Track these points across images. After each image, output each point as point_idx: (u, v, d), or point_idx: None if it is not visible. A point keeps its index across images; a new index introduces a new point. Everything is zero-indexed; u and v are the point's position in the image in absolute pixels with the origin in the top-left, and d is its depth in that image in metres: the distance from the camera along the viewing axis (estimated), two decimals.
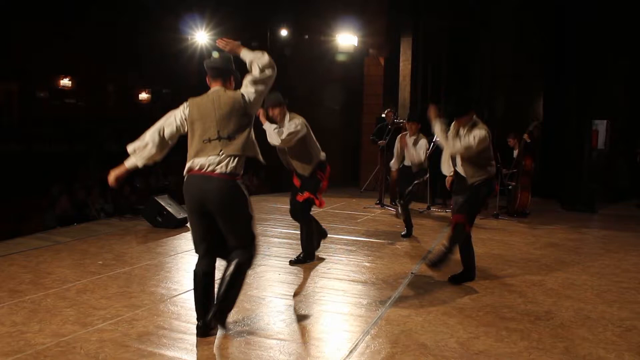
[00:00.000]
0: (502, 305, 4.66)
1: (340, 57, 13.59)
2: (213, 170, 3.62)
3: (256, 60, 3.85)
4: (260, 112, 5.12)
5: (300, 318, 4.25)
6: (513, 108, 12.64)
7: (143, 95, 22.65)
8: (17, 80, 19.18)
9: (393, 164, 7.78)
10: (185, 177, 3.73)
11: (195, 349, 3.65)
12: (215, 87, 3.86)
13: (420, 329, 4.04)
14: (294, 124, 5.45)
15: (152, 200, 7.75)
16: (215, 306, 3.72)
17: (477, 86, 12.65)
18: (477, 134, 5.07)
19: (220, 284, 3.73)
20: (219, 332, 3.90)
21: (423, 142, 7.28)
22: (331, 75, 14.34)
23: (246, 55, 3.91)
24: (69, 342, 3.64)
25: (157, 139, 3.78)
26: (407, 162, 7.43)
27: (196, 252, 3.85)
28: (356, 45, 12.96)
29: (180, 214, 7.65)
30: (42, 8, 17.01)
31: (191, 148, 3.71)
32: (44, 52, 17.51)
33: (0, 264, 5.52)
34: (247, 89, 3.79)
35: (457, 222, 5.15)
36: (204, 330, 3.78)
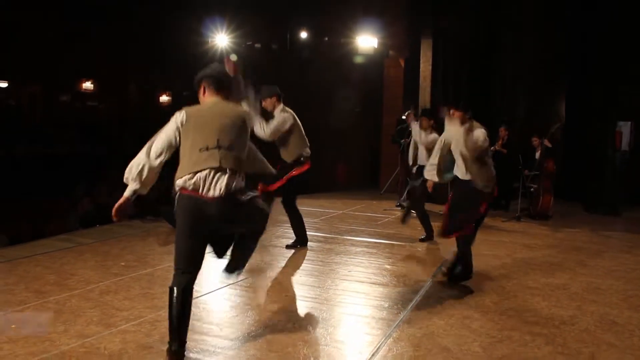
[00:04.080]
0: (526, 309, 4.61)
1: (360, 59, 13.56)
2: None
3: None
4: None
5: (322, 321, 4.23)
6: (535, 109, 12.50)
7: (164, 98, 22.86)
8: (40, 83, 19.49)
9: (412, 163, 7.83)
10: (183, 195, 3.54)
11: (217, 350, 3.67)
12: (216, 99, 3.65)
13: (443, 332, 4.01)
14: (282, 117, 6.02)
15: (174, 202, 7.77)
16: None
17: (499, 87, 12.54)
18: (478, 133, 4.99)
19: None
20: (240, 335, 3.91)
21: (433, 136, 7.10)
22: (351, 77, 14.32)
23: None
24: (93, 343, 3.67)
25: None
26: (422, 161, 7.30)
27: None
28: (376, 46, 12.92)
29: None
30: (64, 11, 17.25)
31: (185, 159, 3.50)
32: (67, 56, 17.75)
33: (26, 265, 5.59)
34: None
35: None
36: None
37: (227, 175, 3.37)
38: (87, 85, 20.47)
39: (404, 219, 7.32)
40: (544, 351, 3.75)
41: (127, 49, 18.37)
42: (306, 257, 6.20)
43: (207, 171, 3.36)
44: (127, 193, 3.49)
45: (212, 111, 3.54)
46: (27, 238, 7.63)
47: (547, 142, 9.39)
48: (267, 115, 6.24)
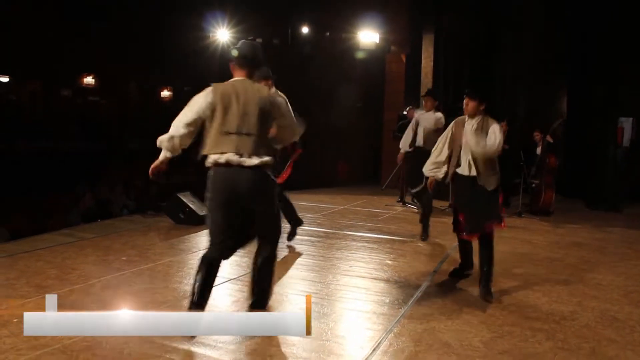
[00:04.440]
0: (526, 304, 4.61)
1: (361, 55, 13.53)
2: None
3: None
4: None
5: (323, 316, 4.24)
6: (536, 105, 12.48)
7: (165, 93, 22.87)
8: (41, 78, 19.49)
9: (402, 144, 7.46)
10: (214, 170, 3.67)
11: (218, 344, 3.67)
12: (240, 77, 3.77)
13: (444, 328, 4.02)
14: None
15: (175, 197, 7.79)
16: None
17: (500, 83, 12.52)
18: (496, 129, 4.69)
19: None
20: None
21: (439, 114, 6.97)
22: (352, 72, 14.31)
23: None
24: (95, 337, 3.67)
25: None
26: (420, 142, 7.10)
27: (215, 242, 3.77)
28: (377, 42, 12.90)
29: (202, 211, 7.68)
30: (65, 8, 17.23)
31: (210, 139, 3.65)
32: (68, 51, 17.74)
33: (27, 260, 5.60)
34: (281, 108, 3.78)
35: (489, 232, 4.84)
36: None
37: (247, 157, 3.57)
38: (89, 80, 20.46)
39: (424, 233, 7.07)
40: (544, 346, 3.75)
41: (128, 45, 18.35)
42: (307, 253, 6.20)
43: (230, 153, 3.56)
44: (160, 157, 3.77)
45: (237, 93, 3.65)
46: (28, 233, 7.64)
47: (549, 138, 9.38)
48: None
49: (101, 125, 20.10)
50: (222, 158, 3.57)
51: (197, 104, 3.67)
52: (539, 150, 9.63)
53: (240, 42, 3.89)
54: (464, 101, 4.88)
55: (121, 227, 7.45)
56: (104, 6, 17.43)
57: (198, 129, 3.70)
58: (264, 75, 5.84)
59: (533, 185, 9.55)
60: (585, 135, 11.23)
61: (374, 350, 3.64)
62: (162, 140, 3.72)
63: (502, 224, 4.86)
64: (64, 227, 8.01)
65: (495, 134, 4.68)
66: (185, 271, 5.37)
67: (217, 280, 4.95)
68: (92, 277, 5.07)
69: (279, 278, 5.21)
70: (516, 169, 9.57)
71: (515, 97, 12.65)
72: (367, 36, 12.78)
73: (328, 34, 14.12)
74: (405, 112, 10.70)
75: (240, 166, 3.56)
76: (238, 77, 3.77)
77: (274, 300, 4.54)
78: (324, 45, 14.26)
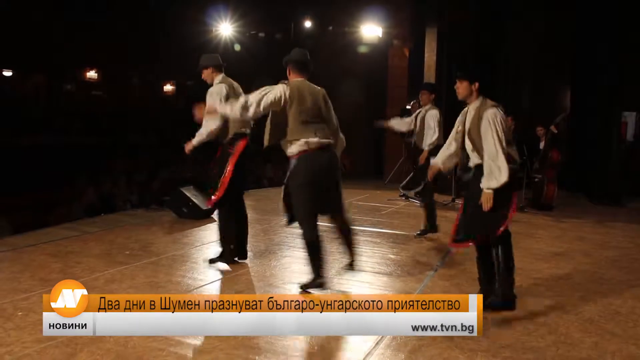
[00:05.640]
0: (529, 298, 4.61)
1: (364, 49, 13.52)
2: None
3: None
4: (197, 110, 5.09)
5: None
6: (539, 100, 12.47)
7: (168, 88, 22.87)
8: (44, 73, 19.49)
9: (397, 124, 7.21)
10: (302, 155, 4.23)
11: (223, 337, 3.68)
12: (302, 79, 4.33)
13: None
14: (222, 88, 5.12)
15: (178, 192, 7.81)
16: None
17: (503, 77, 12.50)
18: (489, 115, 4.07)
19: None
20: None
21: (434, 111, 6.54)
22: (355, 66, 14.28)
23: None
24: None
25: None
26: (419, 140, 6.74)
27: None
28: (380, 36, 12.88)
29: (205, 205, 7.70)
30: (68, 1, 17.22)
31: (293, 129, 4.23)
32: (70, 46, 17.73)
33: (31, 253, 5.63)
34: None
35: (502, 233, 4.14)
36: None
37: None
38: (91, 74, 20.47)
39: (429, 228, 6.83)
40: (547, 340, 3.76)
41: (130, 40, 18.35)
42: None
43: (311, 138, 4.17)
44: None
45: (307, 90, 4.28)
46: (32, 227, 7.66)
47: (553, 128, 9.28)
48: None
49: (104, 120, 20.08)
50: (306, 146, 4.20)
51: (274, 95, 4.22)
52: (541, 145, 9.62)
53: (294, 50, 4.42)
54: (455, 85, 4.26)
55: (124, 221, 7.48)
56: (106, 0, 17.42)
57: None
58: (214, 64, 5.28)
59: (536, 179, 9.54)
60: (589, 130, 11.21)
61: (377, 343, 3.65)
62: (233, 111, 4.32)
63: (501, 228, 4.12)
64: (67, 221, 8.04)
65: (488, 122, 4.05)
66: (189, 265, 5.38)
67: (218, 275, 5.00)
68: (96, 270, 5.09)
69: (282, 272, 5.23)
70: (519, 163, 9.54)
71: (518, 92, 12.65)
72: (370, 30, 12.76)
73: (330, 28, 14.10)
74: (408, 107, 10.71)
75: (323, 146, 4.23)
76: (297, 78, 4.33)
77: (278, 294, 4.56)
78: (327, 40, 14.23)
